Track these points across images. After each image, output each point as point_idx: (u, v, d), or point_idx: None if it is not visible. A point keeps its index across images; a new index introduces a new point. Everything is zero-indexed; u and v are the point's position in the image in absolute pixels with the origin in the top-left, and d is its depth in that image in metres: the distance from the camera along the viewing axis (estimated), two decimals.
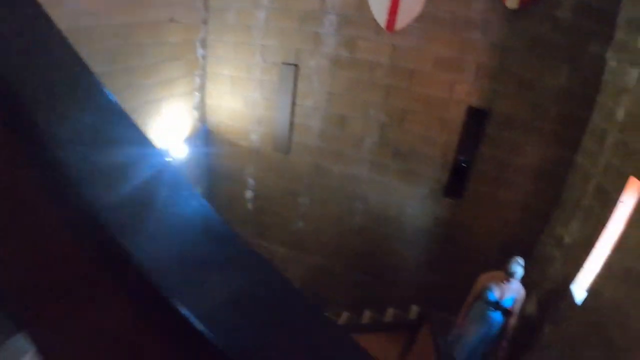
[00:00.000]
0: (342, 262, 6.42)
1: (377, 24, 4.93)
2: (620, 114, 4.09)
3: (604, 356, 3.47)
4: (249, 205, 6.53)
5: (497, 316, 4.50)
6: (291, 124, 5.73)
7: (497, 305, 4.44)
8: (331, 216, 6.14)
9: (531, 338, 4.78)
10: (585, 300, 4.00)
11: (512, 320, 4.51)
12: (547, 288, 4.90)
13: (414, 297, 6.23)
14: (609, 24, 4.45)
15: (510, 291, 4.41)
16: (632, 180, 3.71)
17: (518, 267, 4.31)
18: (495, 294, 4.43)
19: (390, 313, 6.23)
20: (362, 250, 6.22)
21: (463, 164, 5.35)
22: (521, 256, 5.47)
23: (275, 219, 6.47)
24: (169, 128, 5.45)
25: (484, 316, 4.52)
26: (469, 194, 5.51)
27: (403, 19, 4.85)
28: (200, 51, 5.74)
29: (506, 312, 4.49)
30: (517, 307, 4.47)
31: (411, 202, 5.74)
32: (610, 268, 3.75)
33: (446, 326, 5.88)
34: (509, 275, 4.31)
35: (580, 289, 4.22)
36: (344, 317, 6.50)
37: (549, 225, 5.30)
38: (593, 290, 3.93)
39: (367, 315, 6.34)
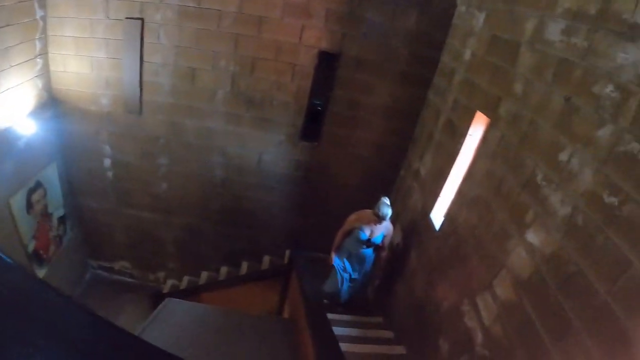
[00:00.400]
0: (211, 218, 6.29)
1: None
2: (467, 54, 4.38)
3: (463, 274, 3.91)
4: (109, 174, 5.98)
5: (368, 252, 4.79)
6: (141, 82, 5.22)
7: (368, 242, 4.68)
8: (192, 173, 5.91)
9: (400, 265, 5.24)
10: (443, 226, 4.41)
11: (383, 254, 4.84)
12: (409, 218, 5.31)
13: (286, 242, 6.38)
14: None
15: (380, 228, 4.64)
16: (479, 114, 4.07)
17: (386, 209, 4.46)
18: (365, 233, 4.62)
19: (266, 261, 6.31)
20: (228, 203, 6.14)
21: (317, 108, 5.40)
22: (383, 191, 5.82)
23: (137, 184, 6.04)
24: (11, 103, 4.61)
25: (357, 254, 4.78)
26: (326, 136, 5.62)
27: None
28: (39, 12, 4.80)
29: (377, 248, 4.80)
30: (387, 241, 4.78)
31: (269, 150, 5.73)
32: (462, 195, 4.13)
33: (318, 265, 6.17)
34: (379, 218, 4.46)
35: (437, 216, 4.65)
36: (223, 271, 6.47)
37: (406, 160, 5.68)
38: (449, 217, 4.32)
39: (245, 267, 6.35)
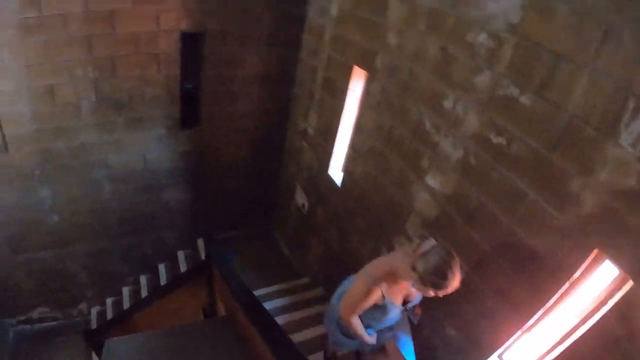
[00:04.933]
0: (112, 234, 5.82)
1: None
2: (333, 10, 4.34)
3: (374, 223, 4.12)
4: None
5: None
6: None
7: (405, 310, 2.91)
8: (80, 195, 5.31)
9: (310, 223, 5.36)
10: (344, 181, 4.55)
11: (418, 311, 3.12)
12: (307, 176, 5.38)
13: (193, 231, 6.23)
14: None
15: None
16: (356, 69, 4.14)
17: (440, 266, 2.25)
18: (396, 305, 2.70)
19: (181, 257, 6.19)
20: (125, 214, 5.70)
21: (191, 92, 5.12)
22: (273, 152, 5.76)
23: (25, 226, 5.27)
24: None
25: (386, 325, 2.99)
26: (206, 118, 5.37)
27: None
28: None
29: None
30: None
31: (152, 148, 5.32)
32: (355, 150, 4.27)
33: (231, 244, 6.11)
34: (432, 284, 2.30)
35: (336, 172, 4.77)
36: (143, 281, 6.25)
37: (291, 121, 5.67)
38: (348, 171, 4.46)
39: (162, 269, 6.20)
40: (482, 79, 2.70)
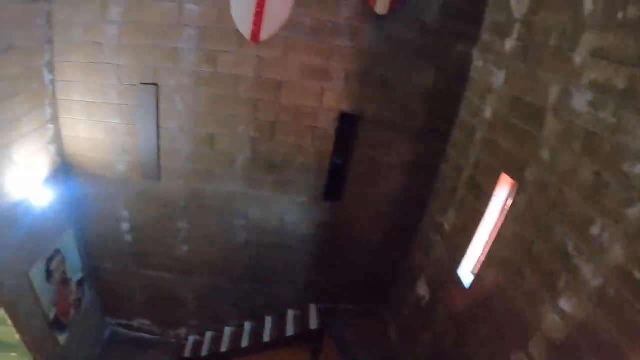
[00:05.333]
0: (233, 277, 6.31)
1: (241, 36, 4.46)
2: (487, 112, 4.42)
3: (492, 331, 3.91)
4: (128, 237, 5.98)
5: None
6: (158, 148, 5.23)
7: None
8: (214, 236, 5.94)
9: (428, 318, 5.23)
10: (472, 283, 4.42)
11: None
12: (434, 271, 5.32)
13: (307, 295, 6.45)
14: (475, 24, 4.73)
15: None
16: (504, 176, 4.12)
17: None
18: None
19: (290, 316, 6.37)
20: (250, 263, 6.16)
21: (339, 168, 5.48)
22: (404, 238, 5.76)
23: (157, 247, 6.05)
24: (25, 173, 4.52)
25: None
26: (348, 194, 5.67)
27: (268, 29, 4.41)
28: (48, 77, 4.77)
29: None
30: None
31: (292, 211, 5.76)
32: (491, 256, 4.14)
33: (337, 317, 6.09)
34: None
35: (466, 273, 4.65)
36: (247, 327, 6.52)
37: (428, 213, 5.71)
38: (478, 275, 4.33)
39: (268, 322, 6.41)
40: (633, 211, 2.57)
